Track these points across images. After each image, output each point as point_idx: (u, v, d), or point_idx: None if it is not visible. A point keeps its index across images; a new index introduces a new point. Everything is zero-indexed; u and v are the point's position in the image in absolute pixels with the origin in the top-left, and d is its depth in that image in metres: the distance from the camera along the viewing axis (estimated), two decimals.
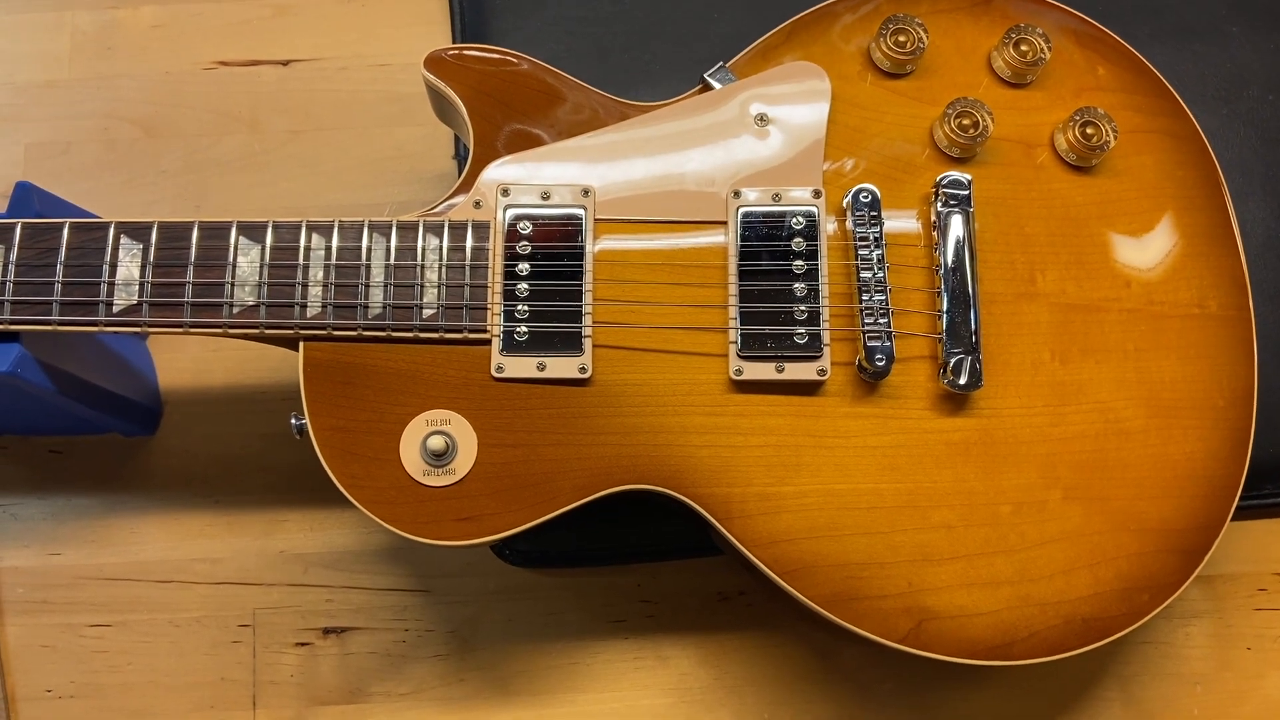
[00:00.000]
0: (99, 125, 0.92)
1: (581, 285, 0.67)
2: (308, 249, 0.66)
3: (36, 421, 0.81)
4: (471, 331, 0.66)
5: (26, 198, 0.70)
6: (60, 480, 0.84)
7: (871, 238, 0.68)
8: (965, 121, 0.70)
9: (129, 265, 0.66)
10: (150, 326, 0.65)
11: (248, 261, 0.66)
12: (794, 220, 0.68)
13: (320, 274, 0.66)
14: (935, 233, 0.69)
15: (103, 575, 0.82)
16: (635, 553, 0.81)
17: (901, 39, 0.71)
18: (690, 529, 0.76)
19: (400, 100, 0.93)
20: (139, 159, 0.92)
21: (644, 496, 0.67)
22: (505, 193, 0.68)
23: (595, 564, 0.82)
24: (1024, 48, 0.71)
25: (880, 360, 0.66)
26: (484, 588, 0.82)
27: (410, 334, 0.66)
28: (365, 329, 0.66)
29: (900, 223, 0.70)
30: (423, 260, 0.66)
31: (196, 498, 0.84)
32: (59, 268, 0.65)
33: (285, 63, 0.94)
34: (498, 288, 0.66)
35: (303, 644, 0.81)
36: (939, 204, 0.69)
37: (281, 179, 0.91)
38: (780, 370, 0.66)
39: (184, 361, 0.87)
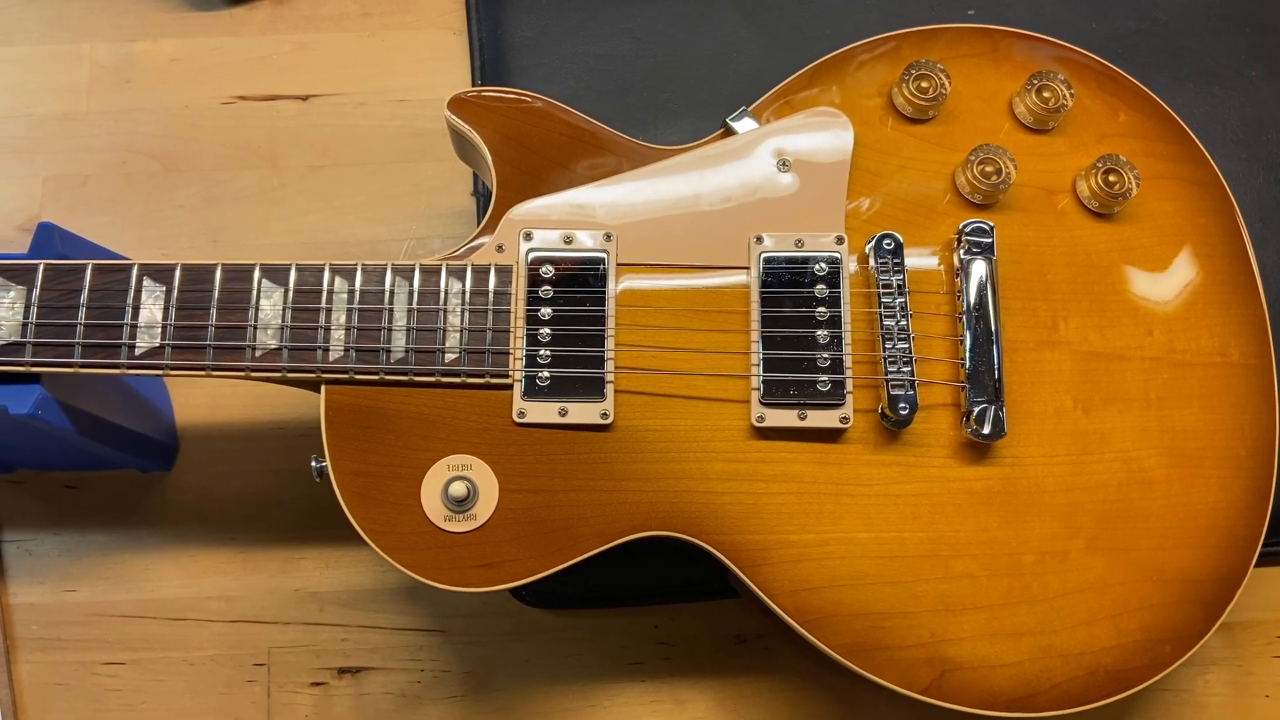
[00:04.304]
0: (117, 158, 0.92)
1: (604, 330, 0.67)
2: (330, 292, 0.66)
3: (53, 458, 0.81)
4: (494, 376, 0.66)
5: (48, 239, 0.69)
6: (76, 516, 0.83)
7: (895, 284, 0.68)
8: (988, 168, 0.70)
9: (152, 307, 0.65)
10: (172, 369, 0.65)
11: (270, 304, 0.66)
12: (817, 266, 0.68)
13: (343, 317, 0.66)
14: (958, 279, 0.68)
15: (117, 613, 0.81)
16: (652, 594, 0.81)
17: (924, 84, 0.71)
18: (707, 571, 0.76)
19: (418, 136, 0.93)
20: (156, 192, 0.91)
21: (664, 542, 0.67)
22: (528, 236, 0.68)
23: (612, 605, 0.81)
24: (1046, 94, 0.71)
25: (904, 409, 0.65)
26: (500, 628, 0.81)
27: (432, 378, 0.66)
28: (387, 373, 0.65)
29: (922, 269, 0.69)
30: (445, 304, 0.66)
31: (212, 534, 0.83)
32: (81, 309, 0.65)
33: (304, 98, 0.94)
34: (520, 332, 0.66)
35: (318, 684, 0.80)
36: (962, 250, 0.69)
37: (299, 214, 0.91)
38: (803, 417, 0.66)
39: (201, 397, 0.86)
